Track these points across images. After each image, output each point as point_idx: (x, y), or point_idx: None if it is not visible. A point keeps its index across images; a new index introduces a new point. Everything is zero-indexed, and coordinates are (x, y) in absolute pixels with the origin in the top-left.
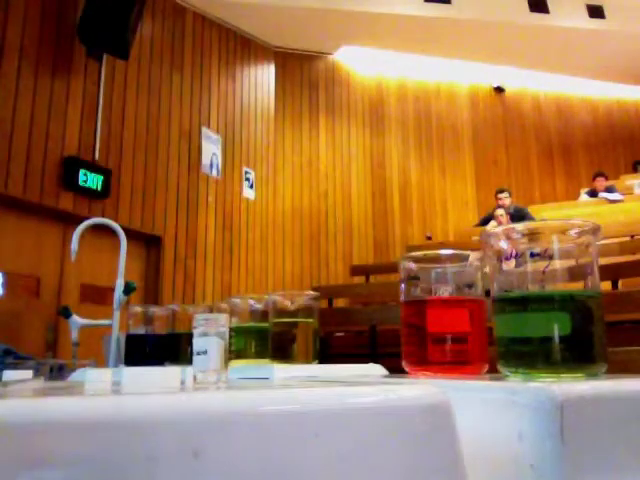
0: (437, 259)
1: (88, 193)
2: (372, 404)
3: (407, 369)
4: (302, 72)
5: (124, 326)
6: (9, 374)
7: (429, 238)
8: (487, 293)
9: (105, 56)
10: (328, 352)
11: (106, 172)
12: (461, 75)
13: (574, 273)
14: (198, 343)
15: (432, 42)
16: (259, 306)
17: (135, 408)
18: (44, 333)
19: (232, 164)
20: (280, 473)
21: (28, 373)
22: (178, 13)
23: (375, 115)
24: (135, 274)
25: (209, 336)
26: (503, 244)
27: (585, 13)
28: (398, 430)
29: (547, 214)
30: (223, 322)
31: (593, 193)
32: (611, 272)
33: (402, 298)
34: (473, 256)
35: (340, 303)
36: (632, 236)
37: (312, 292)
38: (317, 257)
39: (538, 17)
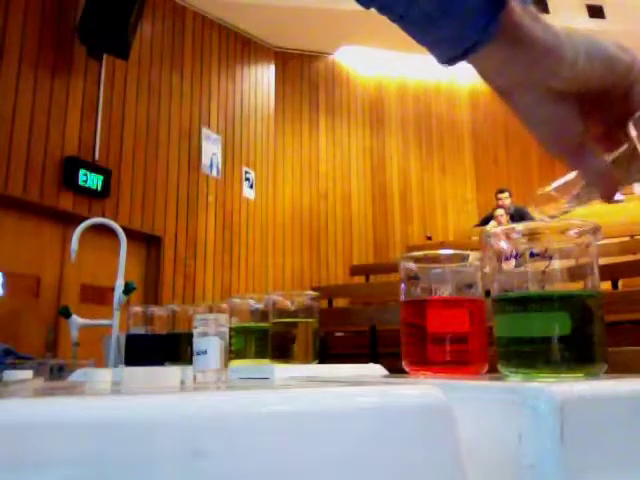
0: (437, 259)
1: (88, 193)
2: (372, 404)
3: (407, 369)
4: (302, 72)
5: (124, 326)
6: (9, 374)
7: (429, 238)
8: (487, 293)
9: (105, 56)
10: (328, 352)
11: (106, 172)
12: (461, 75)
13: (574, 273)
14: (198, 343)
15: None
16: (259, 306)
17: (135, 408)
18: (44, 333)
19: (232, 164)
20: (279, 474)
21: (28, 373)
22: (178, 13)
23: (375, 115)
24: (135, 274)
25: (209, 336)
26: (503, 244)
27: (585, 13)
28: (398, 430)
29: None
30: (223, 322)
31: None
32: (611, 272)
33: (402, 298)
34: (473, 256)
35: (340, 303)
36: (632, 236)
37: (312, 292)
38: (317, 257)
39: None
